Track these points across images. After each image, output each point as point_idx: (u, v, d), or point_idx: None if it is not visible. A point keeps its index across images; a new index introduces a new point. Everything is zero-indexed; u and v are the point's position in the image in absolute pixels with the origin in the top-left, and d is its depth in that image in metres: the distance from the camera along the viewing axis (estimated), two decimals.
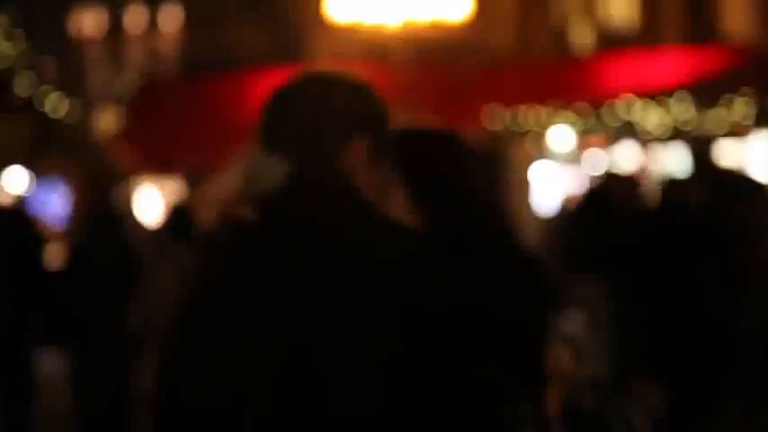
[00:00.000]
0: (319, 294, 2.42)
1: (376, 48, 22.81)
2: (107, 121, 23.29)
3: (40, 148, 17.49)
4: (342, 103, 2.59)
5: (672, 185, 10.77)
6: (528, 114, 19.45)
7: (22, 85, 16.90)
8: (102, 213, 8.91)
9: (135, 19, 33.23)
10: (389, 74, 21.28)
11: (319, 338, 2.40)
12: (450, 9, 21.25)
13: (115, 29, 32.89)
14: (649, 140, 19.94)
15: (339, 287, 2.42)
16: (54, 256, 10.23)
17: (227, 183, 2.64)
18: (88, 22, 33.17)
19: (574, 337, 2.95)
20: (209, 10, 28.05)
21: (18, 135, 17.08)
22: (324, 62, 25.95)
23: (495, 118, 19.31)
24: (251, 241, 2.51)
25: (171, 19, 31.88)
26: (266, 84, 23.27)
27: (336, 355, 2.39)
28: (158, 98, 22.63)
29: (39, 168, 18.00)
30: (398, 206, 2.76)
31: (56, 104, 17.59)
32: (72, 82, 31.64)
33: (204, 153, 19.36)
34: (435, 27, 21.25)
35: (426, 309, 2.42)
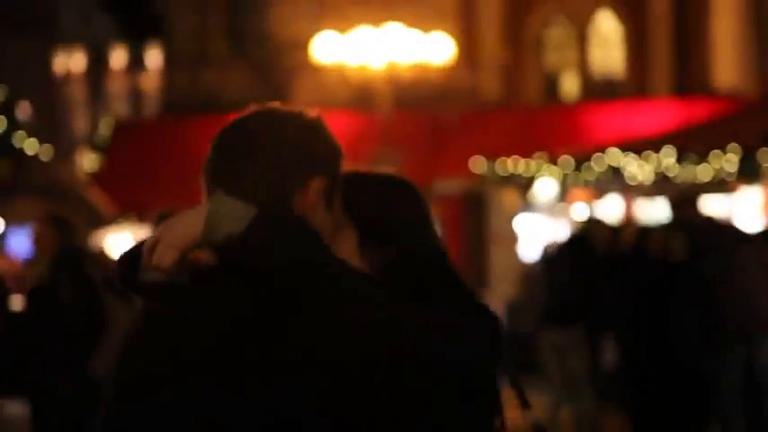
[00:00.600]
0: (284, 349, 2.28)
1: (359, 90, 22.71)
2: (90, 162, 23.06)
3: (14, 190, 17.23)
4: (296, 141, 2.45)
5: (644, 234, 10.64)
6: (513, 164, 19.30)
7: None
8: (65, 256, 8.72)
9: (117, 58, 33.12)
10: (373, 121, 21.14)
11: (284, 395, 2.26)
12: (432, 53, 21.20)
13: (97, 68, 32.79)
14: (635, 193, 19.77)
15: (307, 342, 2.29)
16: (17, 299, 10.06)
17: (187, 225, 2.39)
18: (71, 62, 33.07)
19: (519, 383, 2.80)
20: (193, 50, 27.92)
21: None
22: (308, 105, 25.71)
23: (480, 167, 19.16)
24: (208, 288, 2.35)
25: (154, 59, 31.76)
26: None
27: (308, 409, 2.27)
28: (135, 140, 22.42)
29: (12, 210, 17.77)
30: (350, 250, 2.62)
31: (31, 147, 17.37)
32: (52, 123, 31.50)
33: (181, 198, 19.09)
34: (418, 70, 21.16)
35: (401, 359, 2.34)
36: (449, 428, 2.49)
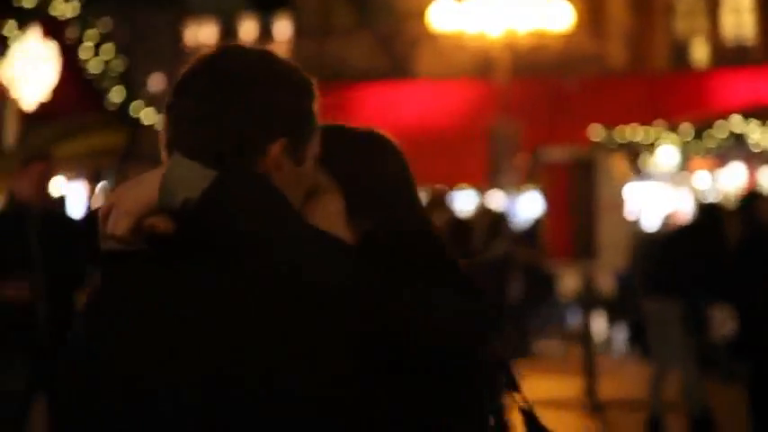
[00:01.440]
0: (242, 321, 2.11)
1: (478, 58, 22.54)
2: None
3: (133, 158, 17.46)
4: (254, 102, 2.22)
5: (752, 200, 10.37)
6: (632, 131, 18.96)
7: (116, 98, 16.98)
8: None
9: (247, 29, 33.41)
10: (492, 88, 20.96)
11: (242, 372, 2.10)
12: (552, 19, 20.85)
13: (227, 40, 33.08)
14: (758, 161, 19.26)
15: (267, 313, 2.12)
16: None
17: (142, 190, 2.19)
18: (201, 34, 33.43)
19: (507, 363, 2.54)
20: (319, 21, 28.00)
21: (112, 145, 17.08)
22: (428, 74, 25.81)
23: (598, 134, 18.87)
24: (165, 255, 2.19)
25: (283, 29, 31.96)
26: (372, 97, 22.99)
27: (265, 391, 2.09)
28: None
29: (124, 178, 18.07)
30: (332, 214, 2.41)
31: (148, 117, 17.60)
32: None
33: None
34: (537, 37, 20.85)
35: (368, 333, 2.15)
36: (431, 410, 2.31)
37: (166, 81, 32.53)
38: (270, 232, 2.14)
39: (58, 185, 13.18)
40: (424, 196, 4.14)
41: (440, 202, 14.56)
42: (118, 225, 2.19)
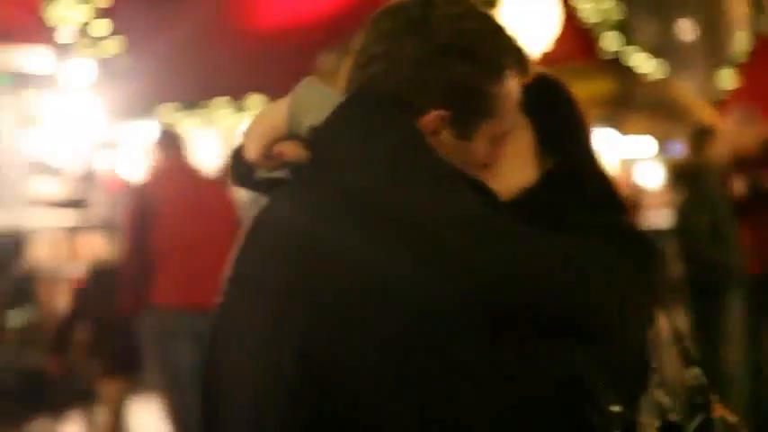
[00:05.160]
0: (363, 261, 1.93)
1: None
2: (726, 80, 22.53)
3: (625, 107, 17.24)
4: (434, 62, 2.06)
5: None
6: None
7: (610, 46, 16.89)
8: None
9: None
10: None
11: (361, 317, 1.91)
12: None
13: None
14: None
15: (386, 254, 1.93)
16: None
17: (272, 115, 2.08)
18: None
19: (683, 337, 2.31)
20: None
21: (605, 93, 16.94)
22: None
23: None
24: (293, 187, 2.07)
25: None
26: None
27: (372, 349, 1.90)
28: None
29: (621, 126, 17.95)
30: (518, 148, 2.27)
31: (644, 64, 17.37)
32: (713, 41, 31.16)
33: None
34: None
35: (497, 293, 1.91)
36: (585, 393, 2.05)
37: (696, 28, 31.86)
38: (381, 160, 1.96)
39: None
40: None
41: None
42: (248, 150, 2.11)
